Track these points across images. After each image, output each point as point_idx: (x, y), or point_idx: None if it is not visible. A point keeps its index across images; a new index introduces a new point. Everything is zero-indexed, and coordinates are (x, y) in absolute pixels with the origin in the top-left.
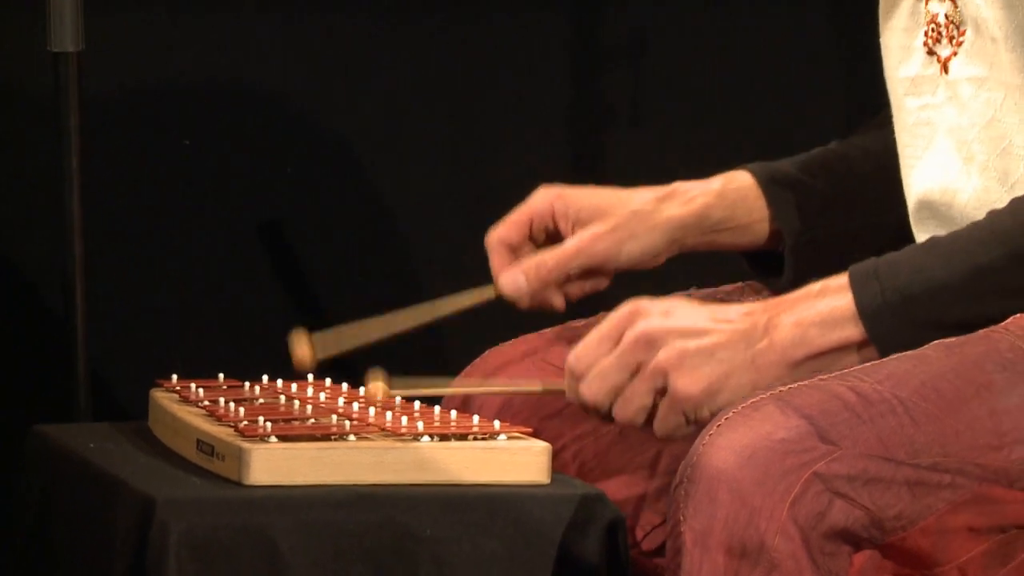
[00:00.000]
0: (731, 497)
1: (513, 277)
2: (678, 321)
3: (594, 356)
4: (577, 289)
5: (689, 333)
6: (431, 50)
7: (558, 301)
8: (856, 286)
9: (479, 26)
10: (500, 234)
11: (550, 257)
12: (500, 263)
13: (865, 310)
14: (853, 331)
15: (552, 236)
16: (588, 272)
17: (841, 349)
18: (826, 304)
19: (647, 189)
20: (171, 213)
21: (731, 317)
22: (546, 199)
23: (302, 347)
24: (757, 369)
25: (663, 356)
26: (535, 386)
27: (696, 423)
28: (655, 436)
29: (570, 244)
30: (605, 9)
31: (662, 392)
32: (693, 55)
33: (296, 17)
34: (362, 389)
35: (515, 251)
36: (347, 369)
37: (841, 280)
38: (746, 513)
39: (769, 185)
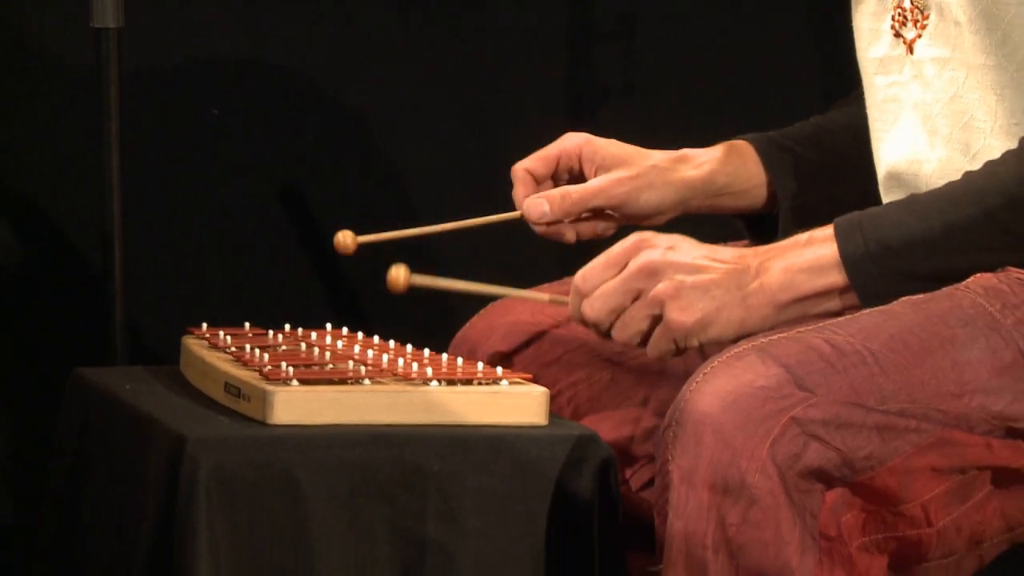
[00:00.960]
0: (715, 439)
1: (538, 202)
2: (679, 256)
3: (599, 278)
4: (588, 229)
5: (688, 269)
6: (436, 32)
7: (570, 235)
8: (841, 237)
9: (483, 11)
10: (528, 165)
11: (575, 191)
12: (525, 191)
13: (848, 259)
14: (837, 277)
15: (575, 178)
16: (601, 214)
17: (825, 294)
18: (813, 252)
19: (660, 151)
20: (201, 176)
21: (726, 258)
22: (576, 142)
23: (346, 239)
24: (747, 308)
25: (662, 287)
26: (543, 296)
27: (684, 351)
28: (644, 383)
29: (594, 183)
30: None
31: (658, 319)
32: (680, 36)
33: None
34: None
35: (539, 184)
36: (363, 322)
37: (827, 231)
38: (729, 453)
39: (766, 153)
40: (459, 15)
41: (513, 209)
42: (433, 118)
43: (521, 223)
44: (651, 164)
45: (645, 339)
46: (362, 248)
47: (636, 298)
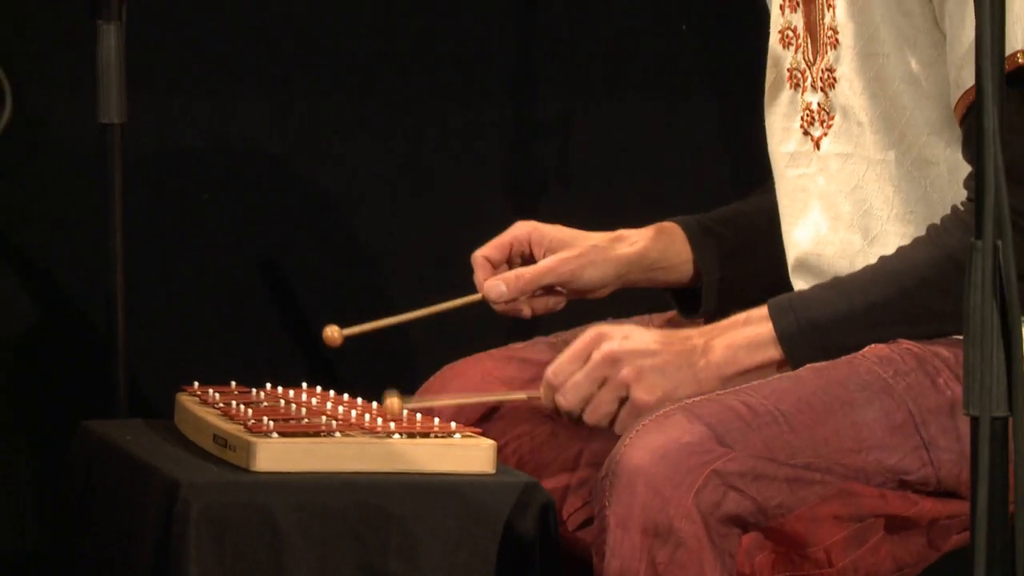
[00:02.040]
0: (646, 488)
1: (495, 285)
2: (635, 344)
3: (567, 372)
4: (541, 304)
5: (645, 354)
6: (396, 124)
7: (526, 310)
8: (775, 316)
9: (436, 107)
10: (485, 252)
11: (527, 272)
12: (484, 275)
13: (783, 336)
14: (774, 352)
15: (526, 260)
16: (552, 290)
17: (763, 367)
18: (751, 330)
19: (598, 233)
20: (193, 251)
21: (674, 340)
22: (525, 229)
23: (333, 332)
24: (698, 383)
25: (625, 372)
26: (520, 395)
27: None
28: (579, 437)
29: (543, 264)
30: (538, 92)
31: (624, 400)
32: (610, 132)
33: (290, 99)
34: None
35: (495, 268)
36: (334, 381)
37: (762, 311)
38: (659, 501)
39: (692, 233)
40: (415, 114)
41: (474, 291)
42: (393, 201)
43: (483, 303)
44: (591, 244)
45: (613, 420)
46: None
47: (602, 384)
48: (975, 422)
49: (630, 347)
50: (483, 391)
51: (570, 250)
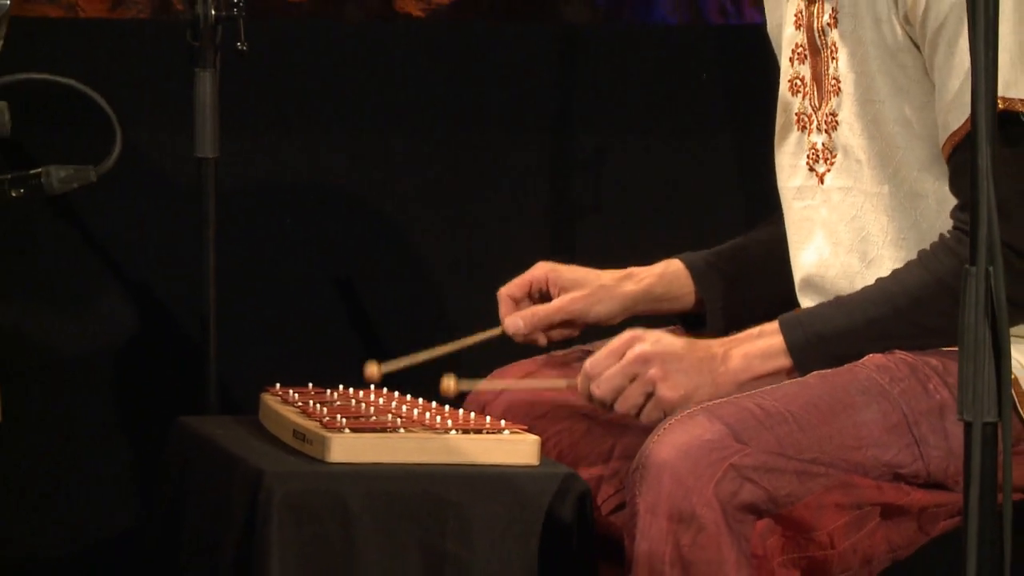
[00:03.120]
0: (672, 480)
1: (514, 321)
2: (664, 347)
3: (604, 365)
4: (556, 334)
5: (672, 357)
6: (444, 162)
7: (542, 340)
8: (785, 330)
9: (481, 141)
10: (507, 291)
11: (541, 310)
12: (506, 311)
13: (793, 347)
14: (784, 361)
15: (544, 296)
16: (565, 323)
17: (775, 374)
18: (764, 342)
19: (611, 271)
20: (275, 269)
21: (698, 347)
22: (543, 270)
23: (372, 369)
24: (716, 386)
25: (653, 371)
26: (560, 383)
27: (666, 416)
28: (611, 433)
29: (555, 303)
30: (575, 132)
31: (651, 395)
32: (639, 168)
33: (357, 138)
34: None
35: (517, 303)
36: (399, 384)
37: (773, 326)
38: (682, 491)
39: (696, 269)
40: (460, 148)
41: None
42: (445, 230)
43: (504, 335)
44: (600, 283)
45: (639, 411)
46: (398, 334)
47: (633, 379)
48: (968, 427)
49: (660, 349)
50: (531, 395)
51: (580, 290)
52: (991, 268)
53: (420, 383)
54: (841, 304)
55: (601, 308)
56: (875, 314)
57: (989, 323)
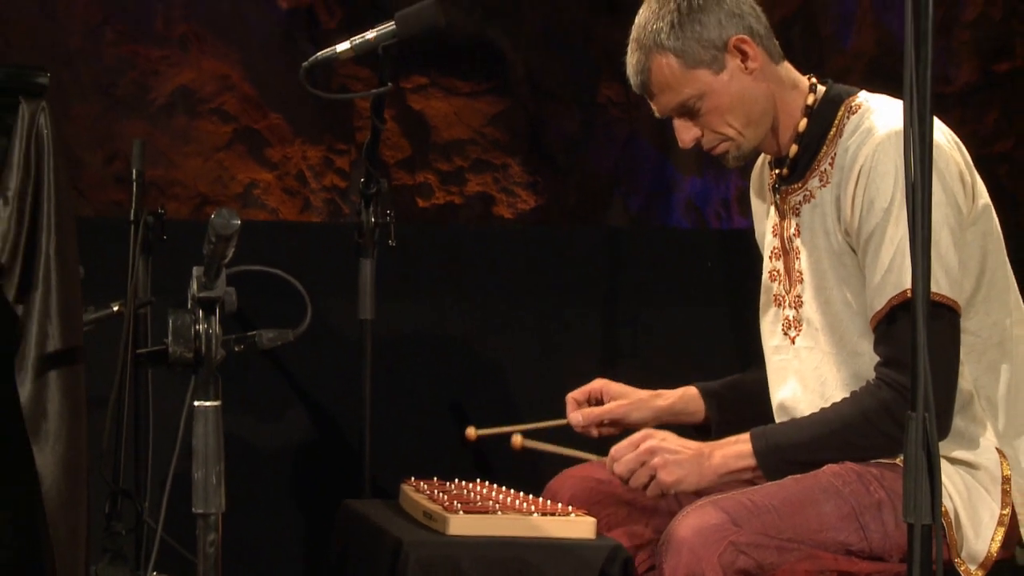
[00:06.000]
0: (688, 552)
1: (575, 416)
2: (667, 444)
3: (623, 452)
4: (606, 430)
5: (672, 451)
6: (532, 321)
7: (594, 433)
8: (753, 440)
9: (555, 309)
10: (574, 395)
11: (595, 411)
12: (571, 408)
13: (757, 452)
14: (751, 462)
15: (598, 402)
16: (612, 423)
17: (744, 470)
18: (738, 447)
19: (646, 390)
20: (409, 394)
21: (692, 447)
22: (599, 384)
23: (470, 431)
24: (701, 476)
25: (656, 460)
26: (592, 456)
27: (665, 496)
28: (644, 516)
29: (606, 408)
30: (619, 301)
31: (653, 477)
32: (664, 328)
33: (477, 298)
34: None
35: (579, 405)
36: (496, 478)
37: (746, 436)
38: (695, 560)
39: (706, 394)
40: (541, 313)
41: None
42: (530, 366)
43: (567, 426)
44: (638, 397)
45: (646, 487)
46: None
47: (642, 465)
48: (911, 527)
49: (664, 446)
50: (582, 488)
51: (624, 400)
52: (927, 414)
53: (517, 480)
54: (795, 423)
55: (637, 415)
56: (816, 432)
57: (925, 453)
